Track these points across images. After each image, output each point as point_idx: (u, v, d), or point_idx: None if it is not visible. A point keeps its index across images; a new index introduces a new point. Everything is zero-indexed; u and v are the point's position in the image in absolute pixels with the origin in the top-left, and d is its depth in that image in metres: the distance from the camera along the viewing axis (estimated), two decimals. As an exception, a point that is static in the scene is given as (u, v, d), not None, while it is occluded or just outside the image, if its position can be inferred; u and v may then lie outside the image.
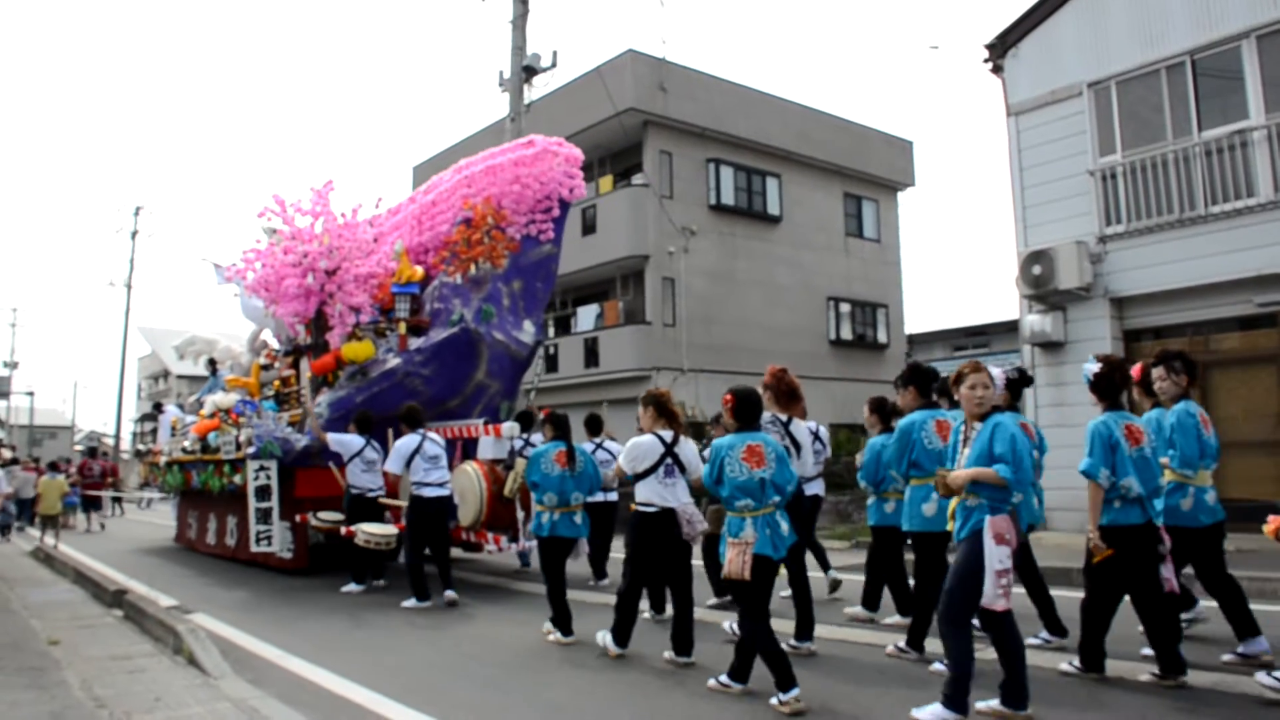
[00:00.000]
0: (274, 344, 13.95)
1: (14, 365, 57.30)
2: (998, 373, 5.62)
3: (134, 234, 43.39)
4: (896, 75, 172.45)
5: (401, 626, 7.81)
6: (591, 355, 22.79)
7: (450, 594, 8.76)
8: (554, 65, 15.81)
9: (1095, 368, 5.53)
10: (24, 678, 5.76)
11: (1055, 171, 13.05)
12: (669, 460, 6.16)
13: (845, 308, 26.09)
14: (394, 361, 10.83)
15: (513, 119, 15.56)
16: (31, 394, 60.41)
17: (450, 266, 11.34)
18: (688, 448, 6.31)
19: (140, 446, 20.94)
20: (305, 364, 11.95)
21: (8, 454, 24.70)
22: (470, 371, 11.10)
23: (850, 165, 26.49)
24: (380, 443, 10.01)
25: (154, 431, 17.90)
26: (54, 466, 21.42)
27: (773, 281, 24.30)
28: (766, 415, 6.33)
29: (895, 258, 28.13)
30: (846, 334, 26.05)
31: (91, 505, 21.54)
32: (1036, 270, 12.65)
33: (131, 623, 7.87)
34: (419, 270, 11.58)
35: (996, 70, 13.89)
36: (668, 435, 6.23)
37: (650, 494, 6.12)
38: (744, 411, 5.54)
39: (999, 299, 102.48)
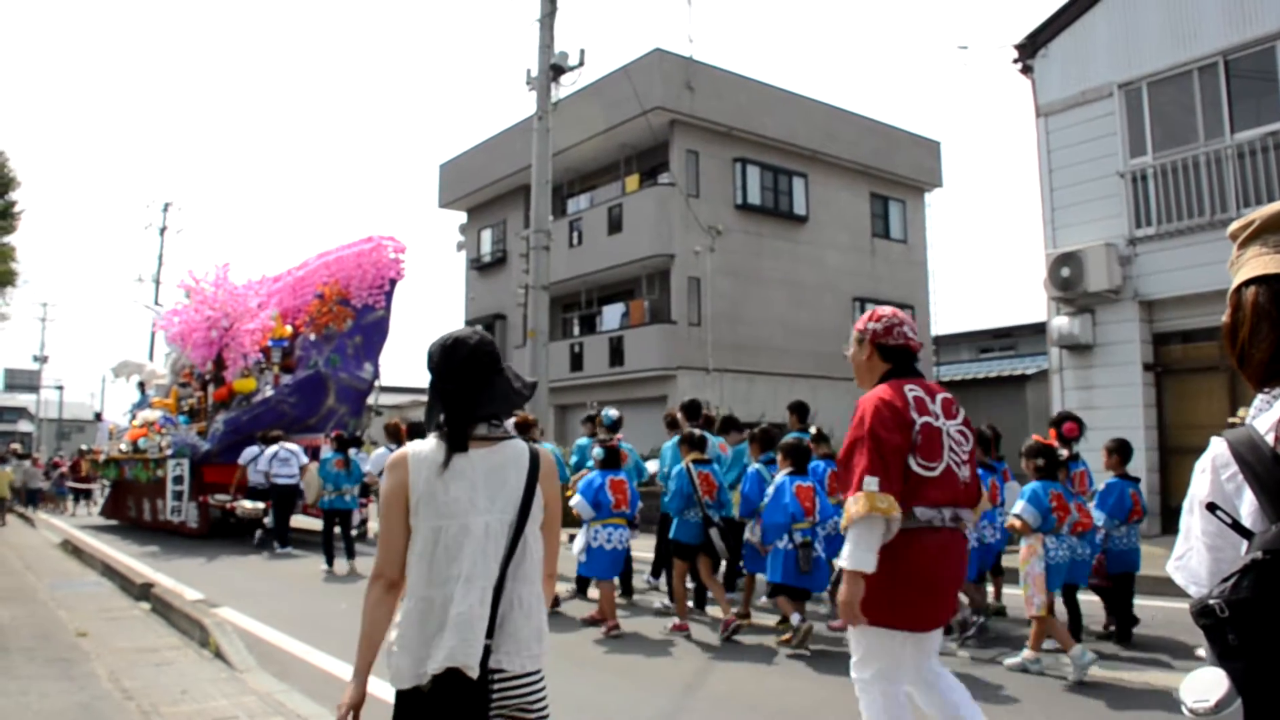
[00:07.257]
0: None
1: (43, 359, 58.12)
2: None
3: (163, 230, 43.69)
4: (924, 75, 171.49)
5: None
6: (616, 354, 22.77)
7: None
8: (581, 64, 15.73)
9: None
10: (54, 668, 5.84)
11: (1085, 173, 12.90)
12: None
13: (871, 309, 25.83)
14: (270, 392, 15.21)
15: (540, 117, 15.54)
16: (60, 388, 61.38)
17: (309, 329, 15.90)
18: None
19: (82, 446, 27.87)
20: (210, 391, 16.52)
21: (19, 447, 29.68)
22: (323, 399, 15.48)
23: (877, 165, 26.28)
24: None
25: (94, 434, 23.38)
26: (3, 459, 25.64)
27: (798, 282, 24.15)
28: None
29: (922, 258, 27.88)
30: (872, 335, 25.75)
31: (80, 495, 26.01)
32: (1065, 272, 12.52)
33: (158, 615, 7.96)
34: (289, 329, 16.03)
35: (1026, 70, 13.75)
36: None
37: None
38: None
39: (1027, 301, 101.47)
